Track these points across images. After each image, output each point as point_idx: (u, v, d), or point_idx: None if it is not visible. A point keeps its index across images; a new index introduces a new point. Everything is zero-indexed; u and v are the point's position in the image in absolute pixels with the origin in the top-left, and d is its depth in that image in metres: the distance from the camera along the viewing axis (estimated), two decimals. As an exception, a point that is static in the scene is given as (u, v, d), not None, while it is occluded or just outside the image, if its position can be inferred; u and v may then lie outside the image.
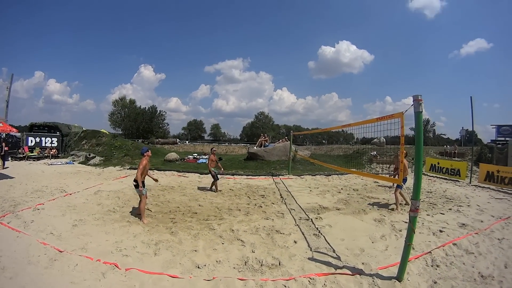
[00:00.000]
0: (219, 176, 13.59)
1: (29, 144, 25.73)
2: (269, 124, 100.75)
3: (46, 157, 24.81)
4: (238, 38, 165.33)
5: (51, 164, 21.35)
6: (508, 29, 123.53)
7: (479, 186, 15.51)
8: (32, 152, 24.95)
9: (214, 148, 14.48)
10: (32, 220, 8.42)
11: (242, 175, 18.72)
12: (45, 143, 26.52)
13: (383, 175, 16.28)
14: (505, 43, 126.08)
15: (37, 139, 26.29)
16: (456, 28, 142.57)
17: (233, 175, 18.76)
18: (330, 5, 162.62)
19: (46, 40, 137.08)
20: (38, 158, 24.25)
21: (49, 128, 28.22)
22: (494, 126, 30.47)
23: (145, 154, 9.34)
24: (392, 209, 10.62)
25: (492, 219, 9.47)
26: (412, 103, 5.18)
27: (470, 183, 16.69)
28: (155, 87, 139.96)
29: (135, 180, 8.88)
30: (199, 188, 14.11)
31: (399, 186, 10.46)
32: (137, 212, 9.30)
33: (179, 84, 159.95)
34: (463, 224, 8.89)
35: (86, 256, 6.28)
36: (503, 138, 28.52)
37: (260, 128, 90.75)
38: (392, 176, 13.41)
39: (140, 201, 9.04)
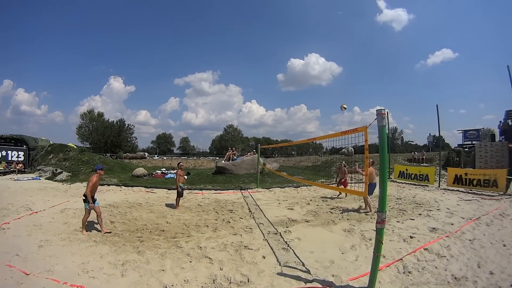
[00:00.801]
0: (184, 192, 13.48)
1: None
2: (238, 137, 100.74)
3: (13, 171, 24.04)
4: (208, 51, 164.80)
5: (17, 180, 20.71)
6: (473, 39, 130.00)
7: (448, 189, 15.85)
8: None
9: (181, 163, 14.36)
10: None
11: (210, 190, 18.50)
12: (11, 157, 25.80)
13: (333, 185, 16.40)
14: (470, 52, 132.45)
15: (3, 153, 25.61)
16: (423, 40, 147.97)
17: (201, 190, 18.52)
18: (299, 18, 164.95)
19: (15, 48, 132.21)
20: (4, 173, 23.51)
21: (15, 141, 27.44)
22: (461, 131, 31.66)
23: (98, 171, 9.45)
24: (366, 213, 10.87)
25: (462, 221, 9.60)
26: (376, 117, 5.21)
27: (439, 187, 17.04)
28: (124, 99, 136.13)
29: (85, 195, 9.03)
30: (166, 205, 13.81)
31: (369, 193, 10.54)
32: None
33: (149, 96, 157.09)
34: (434, 228, 8.97)
35: (52, 279, 6.02)
36: (469, 142, 29.61)
37: (229, 141, 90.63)
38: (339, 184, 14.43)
39: (97, 214, 9.26)
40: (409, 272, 6.20)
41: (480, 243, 7.61)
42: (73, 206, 12.85)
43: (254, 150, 26.28)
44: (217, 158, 51.65)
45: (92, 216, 10.28)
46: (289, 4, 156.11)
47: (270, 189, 18.76)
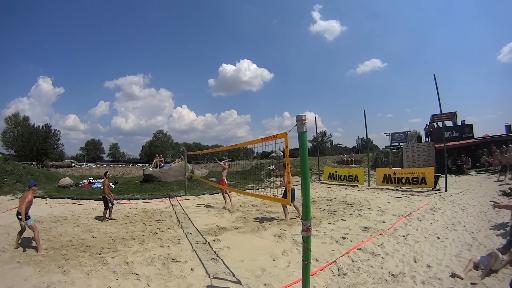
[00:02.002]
0: (114, 202, 12.87)
1: None
2: (168, 143, 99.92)
3: None
4: (140, 53, 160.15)
5: None
6: (401, 50, 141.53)
7: (378, 188, 16.38)
8: None
9: (108, 172, 13.77)
10: None
11: (138, 199, 17.82)
12: None
13: (269, 194, 16.42)
14: (398, 62, 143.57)
15: None
16: (354, 50, 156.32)
17: (129, 199, 17.81)
18: (233, 24, 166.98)
19: None
20: None
21: None
22: (388, 134, 33.30)
23: (32, 187, 9.43)
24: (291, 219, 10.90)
25: (394, 218, 9.82)
26: (296, 123, 5.11)
27: (369, 186, 17.56)
28: (53, 102, 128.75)
29: (19, 213, 8.72)
30: (93, 217, 13.07)
31: (292, 199, 10.46)
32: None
33: (78, 99, 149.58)
34: (366, 227, 9.06)
35: None
36: (397, 144, 31.27)
37: (159, 147, 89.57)
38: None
39: (34, 232, 8.76)
40: (344, 274, 6.14)
41: (414, 238, 7.77)
42: None
43: (182, 157, 25.85)
44: (146, 165, 50.40)
45: (14, 235, 9.58)
46: (223, 9, 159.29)
47: (199, 196, 18.56)
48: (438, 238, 7.66)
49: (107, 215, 12.62)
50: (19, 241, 8.81)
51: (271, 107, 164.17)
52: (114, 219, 12.20)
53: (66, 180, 22.62)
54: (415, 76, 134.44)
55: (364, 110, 20.73)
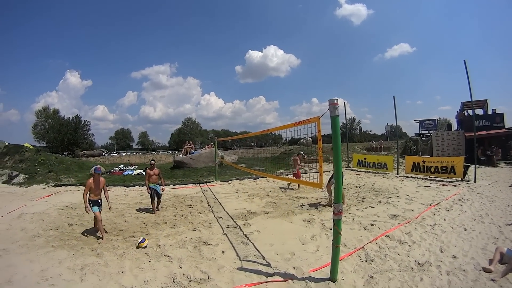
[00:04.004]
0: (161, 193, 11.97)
1: None
2: (197, 130, 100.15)
3: None
4: (165, 43, 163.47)
5: None
6: (430, 34, 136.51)
7: (407, 177, 16.16)
8: None
9: (153, 161, 12.43)
10: None
11: (168, 185, 17.97)
12: None
13: (288, 176, 16.46)
14: (427, 47, 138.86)
15: None
16: (382, 34, 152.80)
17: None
18: (258, 10, 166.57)
19: None
20: None
21: None
22: (417, 121, 32.54)
23: (95, 173, 8.93)
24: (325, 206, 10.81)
25: (422, 207, 9.74)
26: (328, 107, 5.16)
27: (397, 174, 17.35)
28: (81, 94, 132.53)
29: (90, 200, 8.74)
30: (125, 203, 13.35)
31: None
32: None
33: (106, 91, 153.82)
34: (394, 215, 9.05)
35: None
36: (426, 131, 30.50)
37: (188, 134, 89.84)
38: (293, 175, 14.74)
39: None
40: (372, 260, 6.20)
41: (441, 228, 7.72)
42: (30, 210, 12.21)
43: (212, 143, 26.03)
44: (176, 152, 50.96)
45: (51, 220, 10.06)
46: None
47: (229, 182, 18.69)
48: (465, 230, 7.59)
49: (155, 206, 11.90)
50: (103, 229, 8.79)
51: (299, 93, 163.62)
52: (158, 210, 11.83)
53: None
54: (445, 61, 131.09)
55: (394, 96, 20.43)
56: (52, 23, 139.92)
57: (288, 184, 15.39)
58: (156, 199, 11.68)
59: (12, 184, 19.69)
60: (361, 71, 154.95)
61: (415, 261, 6.00)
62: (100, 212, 8.70)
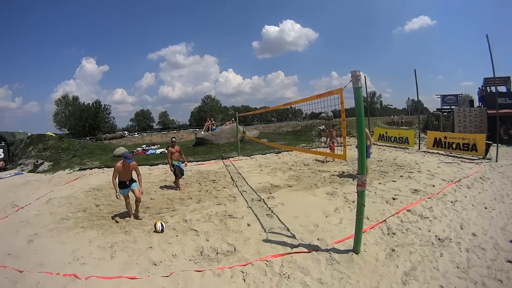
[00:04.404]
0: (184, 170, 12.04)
1: None
2: (217, 107, 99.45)
3: None
4: (180, 23, 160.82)
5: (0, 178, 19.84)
6: (451, 7, 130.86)
7: (428, 152, 15.99)
8: None
9: (174, 138, 12.91)
10: None
11: (191, 162, 18.22)
12: None
13: (326, 150, 16.54)
14: (448, 20, 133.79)
15: None
16: (401, 6, 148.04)
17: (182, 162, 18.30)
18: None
19: None
20: None
21: None
22: (439, 96, 31.79)
23: (126, 159, 8.47)
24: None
25: (443, 183, 9.68)
26: (351, 78, 5.11)
27: (419, 149, 17.18)
28: (99, 80, 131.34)
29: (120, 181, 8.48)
30: (149, 181, 13.54)
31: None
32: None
33: (123, 74, 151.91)
34: (416, 190, 9.04)
35: (45, 272, 5.92)
36: (448, 107, 29.82)
37: (208, 111, 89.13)
38: (329, 147, 14.91)
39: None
40: (394, 234, 6.29)
41: (462, 205, 7.69)
42: (57, 195, 12.49)
43: (233, 119, 26.04)
44: (197, 129, 51.11)
45: (79, 202, 10.48)
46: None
47: (252, 157, 18.82)
48: (486, 208, 7.50)
49: (179, 183, 12.01)
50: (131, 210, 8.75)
51: (318, 67, 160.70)
52: (179, 189, 11.81)
53: (121, 149, 23.17)
54: (468, 35, 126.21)
55: (415, 70, 19.85)
56: (65, 12, 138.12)
57: (325, 158, 15.34)
58: (180, 176, 11.78)
59: (38, 172, 20.05)
60: (381, 44, 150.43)
61: (436, 236, 6.04)
62: (130, 191, 8.56)
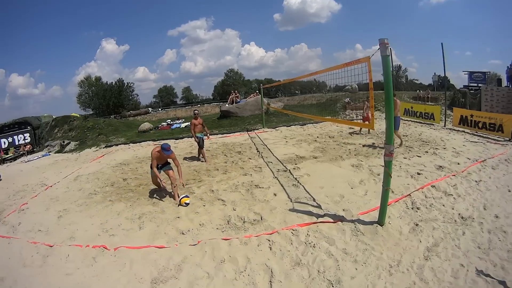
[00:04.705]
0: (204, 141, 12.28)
1: (3, 147, 24.18)
2: (240, 80, 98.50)
3: (22, 155, 23.32)
4: None
5: (28, 161, 20.23)
6: None
7: (454, 130, 15.71)
8: (7, 154, 23.46)
9: (196, 110, 12.91)
10: (19, 222, 8.06)
11: (217, 134, 18.47)
12: (18, 141, 25.03)
13: (357, 121, 16.47)
14: None
15: (10, 139, 24.78)
16: None
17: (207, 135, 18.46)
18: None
19: None
20: (15, 158, 22.76)
21: (19, 125, 26.53)
22: (466, 72, 30.74)
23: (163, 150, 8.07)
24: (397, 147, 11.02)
25: (468, 162, 9.53)
26: (379, 47, 5.00)
27: (444, 126, 16.88)
28: (120, 59, 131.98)
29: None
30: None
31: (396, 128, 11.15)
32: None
33: (144, 52, 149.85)
34: (440, 167, 8.95)
35: (75, 245, 6.22)
36: (475, 84, 28.94)
37: (231, 85, 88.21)
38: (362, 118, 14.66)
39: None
40: (418, 208, 6.33)
41: (486, 185, 7.57)
42: (85, 172, 12.87)
43: (257, 91, 25.91)
44: (220, 103, 51.10)
45: (106, 177, 10.95)
46: None
47: (276, 128, 18.80)
48: (509, 191, 7.25)
49: (201, 156, 12.30)
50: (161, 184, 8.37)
51: (341, 40, 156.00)
52: (204, 161, 12.00)
53: (146, 125, 23.56)
54: (497, 11, 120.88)
55: (442, 43, 18.77)
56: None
57: (360, 129, 15.34)
58: (203, 147, 12.03)
59: (65, 152, 20.51)
60: (406, 17, 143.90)
61: (459, 214, 6.03)
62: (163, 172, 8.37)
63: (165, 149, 7.91)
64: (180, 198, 7.64)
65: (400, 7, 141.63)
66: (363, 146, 12.14)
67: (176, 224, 6.58)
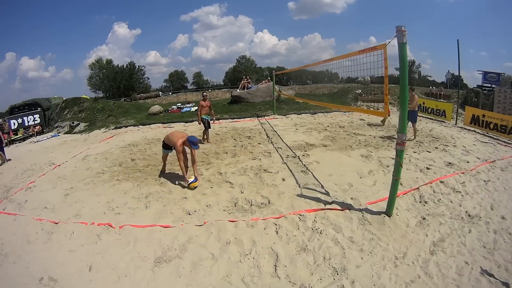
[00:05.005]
0: (210, 124, 12.41)
1: (12, 127, 24.26)
2: (252, 67, 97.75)
3: (31, 135, 23.56)
4: None
5: (37, 141, 20.34)
6: None
7: (465, 128, 15.54)
8: (17, 135, 23.64)
9: (205, 93, 13.11)
10: (25, 200, 8.11)
11: (227, 119, 18.46)
12: (28, 122, 25.14)
13: (372, 109, 16.32)
14: None
15: (19, 120, 24.93)
16: None
17: (218, 119, 18.38)
18: None
19: (10, 17, 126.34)
20: (24, 139, 22.98)
21: (29, 107, 26.80)
22: (481, 72, 30.36)
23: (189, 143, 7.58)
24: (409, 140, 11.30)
25: (478, 161, 9.43)
26: (395, 34, 4.91)
27: (455, 124, 16.72)
28: (132, 43, 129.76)
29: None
30: None
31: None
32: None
33: (156, 37, 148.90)
34: (450, 163, 8.87)
35: (80, 222, 6.28)
36: (489, 85, 28.60)
37: (242, 72, 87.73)
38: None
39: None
40: (425, 202, 6.30)
41: (494, 186, 7.48)
42: (93, 152, 12.90)
43: (269, 78, 25.78)
44: (231, 89, 51.09)
45: (115, 157, 11.04)
46: None
47: (287, 116, 18.67)
48: None
49: (205, 137, 12.40)
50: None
51: (356, 31, 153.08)
52: (210, 143, 12.18)
53: (156, 108, 23.47)
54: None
55: (458, 40, 17.95)
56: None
57: (382, 121, 15.09)
58: (208, 128, 12.18)
59: (74, 133, 20.58)
60: (423, 12, 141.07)
61: (466, 212, 5.99)
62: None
63: (194, 143, 7.46)
64: (189, 182, 7.45)
65: (417, 2, 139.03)
66: (374, 137, 12.03)
67: (182, 205, 6.60)
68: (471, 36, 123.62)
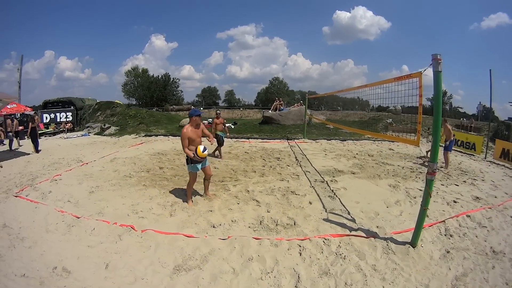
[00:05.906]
0: (230, 141, 12.94)
1: (44, 121, 25.21)
2: (284, 90, 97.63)
3: (62, 131, 24.57)
4: (250, 3, 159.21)
5: (67, 138, 21.18)
6: None
7: (494, 163, 15.13)
8: (48, 128, 24.70)
9: (218, 111, 13.80)
10: (50, 191, 8.39)
11: (257, 139, 18.71)
12: (60, 118, 26.01)
13: (402, 136, 16.10)
14: None
15: (52, 115, 25.80)
16: (477, 1, 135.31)
17: (248, 138, 18.82)
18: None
19: (53, 18, 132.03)
20: (54, 133, 24.04)
21: (63, 104, 27.79)
22: (512, 104, 29.61)
23: (193, 117, 7.56)
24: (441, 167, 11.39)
25: (506, 196, 9.15)
26: (431, 62, 4.90)
27: (485, 158, 16.33)
28: (167, 56, 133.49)
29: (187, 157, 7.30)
30: (214, 152, 13.75)
31: (446, 149, 11.77)
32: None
33: (192, 51, 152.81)
34: (477, 198, 8.66)
35: (103, 220, 6.40)
36: (522, 117, 27.81)
37: (274, 93, 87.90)
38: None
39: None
40: (451, 236, 6.15)
41: None
42: (122, 155, 13.31)
43: (302, 101, 25.89)
44: (262, 110, 51.49)
45: (143, 163, 11.19)
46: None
47: (317, 141, 18.71)
48: None
49: (217, 153, 12.91)
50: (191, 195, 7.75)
51: (388, 59, 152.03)
52: (220, 157, 12.69)
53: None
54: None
55: (490, 70, 17.33)
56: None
57: (427, 152, 14.63)
58: (222, 145, 12.65)
59: (104, 135, 21.39)
60: (455, 40, 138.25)
61: (491, 247, 5.80)
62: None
63: (194, 111, 7.62)
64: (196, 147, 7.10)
65: (450, 30, 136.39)
66: (402, 168, 11.91)
67: (208, 217, 6.67)
68: (504, 66, 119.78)
